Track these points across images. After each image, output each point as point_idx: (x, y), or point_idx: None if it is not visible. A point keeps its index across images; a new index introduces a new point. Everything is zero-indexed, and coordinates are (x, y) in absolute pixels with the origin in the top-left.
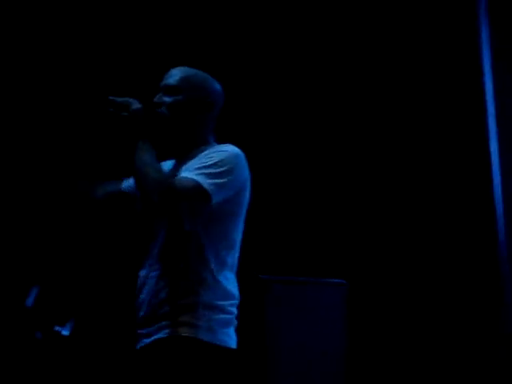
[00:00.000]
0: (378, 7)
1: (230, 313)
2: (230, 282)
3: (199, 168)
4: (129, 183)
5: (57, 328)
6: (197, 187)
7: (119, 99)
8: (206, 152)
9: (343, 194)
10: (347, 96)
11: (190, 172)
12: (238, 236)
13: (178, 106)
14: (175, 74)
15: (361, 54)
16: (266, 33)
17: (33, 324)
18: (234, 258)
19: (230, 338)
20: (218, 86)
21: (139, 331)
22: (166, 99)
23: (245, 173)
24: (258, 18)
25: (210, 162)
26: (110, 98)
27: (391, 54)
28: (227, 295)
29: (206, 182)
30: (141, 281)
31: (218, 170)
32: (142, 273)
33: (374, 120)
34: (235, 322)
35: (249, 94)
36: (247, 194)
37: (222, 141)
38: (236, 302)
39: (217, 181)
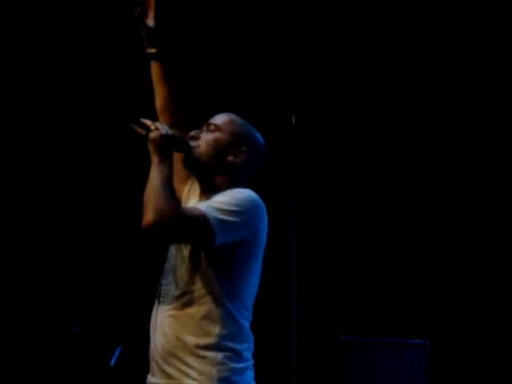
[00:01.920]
0: None
1: (248, 359)
2: (246, 325)
3: (211, 201)
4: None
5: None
6: (202, 221)
7: (148, 121)
8: (222, 192)
9: (426, 254)
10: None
11: (200, 204)
12: (256, 280)
13: (213, 142)
14: (222, 117)
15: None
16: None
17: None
18: (251, 301)
19: None
20: (260, 142)
21: (149, 377)
22: (204, 134)
23: (258, 220)
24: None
25: (223, 199)
26: (141, 119)
27: None
28: (245, 338)
29: (212, 217)
30: (153, 321)
31: (228, 208)
32: (154, 313)
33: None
34: (252, 369)
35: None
36: (262, 244)
37: None
38: (252, 347)
39: (224, 218)
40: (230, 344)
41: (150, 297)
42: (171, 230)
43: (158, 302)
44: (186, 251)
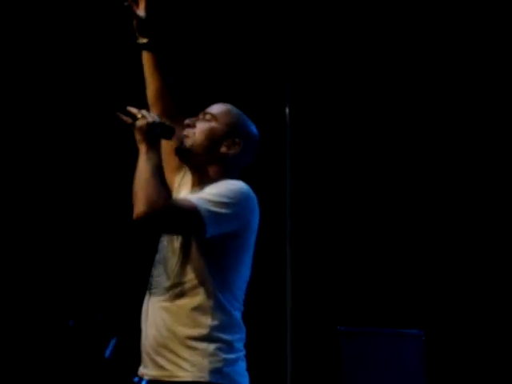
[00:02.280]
0: None
1: (240, 349)
2: (238, 316)
3: (203, 193)
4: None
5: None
6: (193, 213)
7: (134, 109)
8: (214, 183)
9: (420, 245)
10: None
11: (191, 196)
12: (247, 271)
13: (208, 131)
14: (218, 106)
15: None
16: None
17: (111, 375)
18: (242, 292)
19: (243, 377)
20: (254, 134)
21: (141, 368)
22: (199, 123)
23: (250, 213)
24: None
25: (215, 191)
26: (127, 108)
27: None
28: (236, 329)
29: (203, 209)
30: (144, 312)
31: (220, 200)
32: (146, 304)
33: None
34: (244, 360)
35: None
36: (253, 236)
37: None
38: (244, 338)
39: (216, 210)
40: (221, 335)
41: (143, 289)
42: (162, 221)
43: (150, 293)
44: (177, 243)
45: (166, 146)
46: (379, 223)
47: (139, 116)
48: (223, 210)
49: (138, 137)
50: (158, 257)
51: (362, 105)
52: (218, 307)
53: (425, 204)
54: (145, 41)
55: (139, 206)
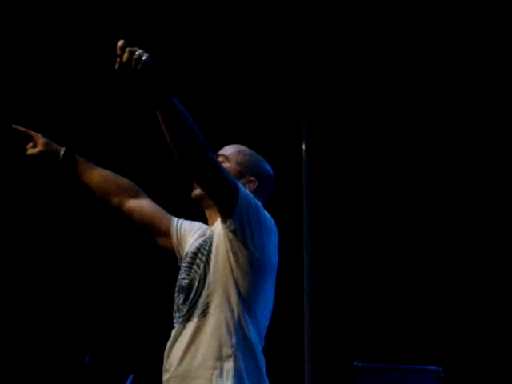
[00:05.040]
0: None
1: (263, 372)
2: (259, 343)
3: None
4: (177, 228)
5: None
6: (235, 183)
7: (119, 44)
8: None
9: (439, 281)
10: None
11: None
12: (271, 297)
13: None
14: (230, 148)
15: None
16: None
17: None
18: (266, 318)
19: None
20: (268, 172)
21: None
22: None
23: (269, 238)
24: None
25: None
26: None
27: None
28: (259, 360)
29: (243, 192)
30: (171, 342)
31: (254, 205)
32: (172, 332)
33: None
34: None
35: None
36: (273, 265)
37: None
38: (264, 362)
39: (251, 202)
40: (245, 356)
41: (159, 325)
42: (207, 169)
43: (176, 317)
44: (200, 265)
45: (156, 211)
46: (398, 259)
47: (126, 54)
48: (254, 209)
49: (145, 79)
50: (180, 279)
51: (377, 139)
52: (240, 331)
53: (445, 241)
54: (62, 152)
55: (186, 146)
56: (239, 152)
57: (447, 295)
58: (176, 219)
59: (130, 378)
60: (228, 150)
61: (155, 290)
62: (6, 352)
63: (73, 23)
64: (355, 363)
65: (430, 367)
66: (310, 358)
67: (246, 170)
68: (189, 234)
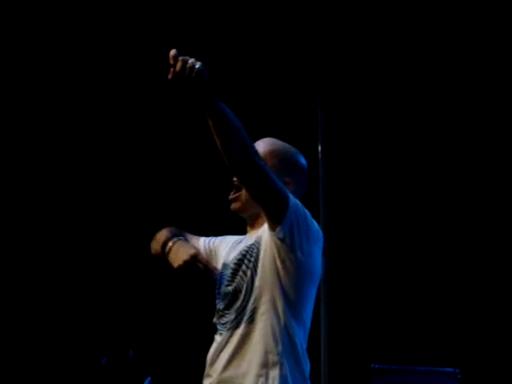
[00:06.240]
0: None
1: (307, 378)
2: (304, 345)
3: None
4: (208, 246)
5: None
6: (284, 191)
7: (172, 54)
8: None
9: (456, 283)
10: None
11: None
12: (313, 302)
13: None
14: (263, 147)
15: None
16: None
17: None
18: (308, 323)
19: None
20: (303, 167)
21: None
22: None
23: (315, 245)
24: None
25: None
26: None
27: None
28: (303, 364)
29: (293, 201)
30: (216, 348)
31: (304, 215)
32: (218, 338)
33: None
34: None
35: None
36: (317, 271)
37: None
38: (309, 366)
39: (301, 213)
40: (290, 363)
41: (178, 328)
42: (258, 177)
43: (219, 324)
44: (247, 271)
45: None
46: (415, 261)
47: (180, 63)
48: (303, 216)
49: (199, 88)
50: (221, 287)
51: (393, 140)
52: (286, 335)
53: (464, 243)
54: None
55: (236, 153)
56: (271, 152)
57: (465, 297)
58: (202, 239)
59: (148, 379)
60: (261, 151)
61: (172, 291)
62: (23, 353)
63: (77, 25)
64: (372, 365)
65: (447, 369)
66: (326, 359)
67: (281, 172)
68: (219, 246)
